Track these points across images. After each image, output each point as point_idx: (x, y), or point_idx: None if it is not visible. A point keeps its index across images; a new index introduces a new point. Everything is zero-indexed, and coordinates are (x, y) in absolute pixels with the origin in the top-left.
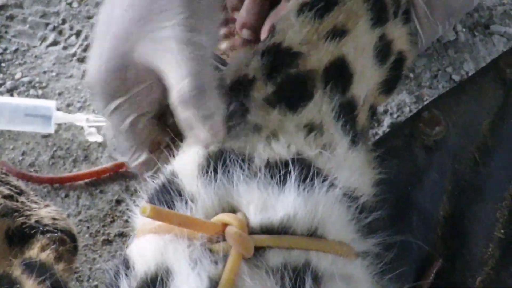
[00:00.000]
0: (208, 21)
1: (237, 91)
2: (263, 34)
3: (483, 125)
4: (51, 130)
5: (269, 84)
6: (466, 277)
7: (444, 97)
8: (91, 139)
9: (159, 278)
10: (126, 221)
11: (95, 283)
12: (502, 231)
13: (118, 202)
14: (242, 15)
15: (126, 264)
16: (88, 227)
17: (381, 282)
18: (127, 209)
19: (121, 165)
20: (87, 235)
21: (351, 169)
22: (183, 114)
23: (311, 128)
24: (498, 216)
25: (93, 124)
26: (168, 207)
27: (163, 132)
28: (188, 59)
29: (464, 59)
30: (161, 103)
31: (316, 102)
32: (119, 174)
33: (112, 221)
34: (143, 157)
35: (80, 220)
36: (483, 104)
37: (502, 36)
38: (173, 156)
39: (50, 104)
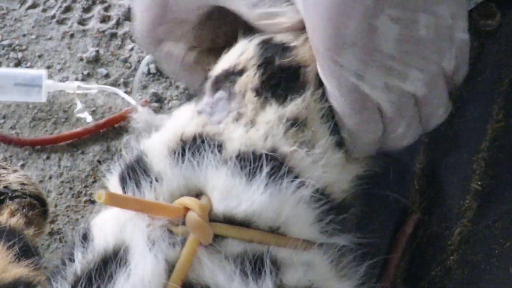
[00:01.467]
0: None
1: (225, 80)
2: None
3: None
4: (43, 99)
5: (258, 73)
6: (443, 229)
7: None
8: (81, 115)
9: (118, 256)
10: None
11: None
12: (479, 183)
13: (100, 162)
14: None
15: (85, 236)
16: (70, 188)
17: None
18: (109, 169)
19: (103, 125)
20: (69, 196)
21: (327, 168)
22: (257, 12)
23: (293, 122)
24: (474, 168)
25: (85, 91)
26: (136, 185)
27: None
28: None
29: None
30: (213, 37)
31: (305, 99)
32: (100, 135)
33: (94, 182)
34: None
35: (62, 182)
36: None
37: None
38: None
39: (40, 72)
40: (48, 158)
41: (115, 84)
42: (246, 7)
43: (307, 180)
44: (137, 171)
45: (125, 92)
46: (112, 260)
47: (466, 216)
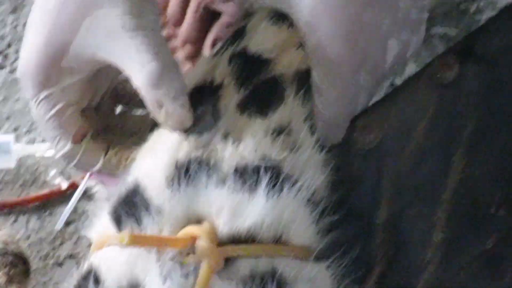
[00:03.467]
0: (149, 4)
1: (202, 95)
2: (206, 48)
3: (418, 129)
4: (11, 165)
5: (241, 90)
6: (406, 283)
7: (379, 103)
8: (57, 181)
9: None
10: (75, 242)
11: None
12: (441, 234)
13: (67, 224)
14: (184, 31)
15: (96, 279)
16: (38, 251)
17: (342, 285)
18: (76, 230)
19: (69, 186)
20: (37, 259)
21: (314, 170)
22: (152, 95)
23: (280, 131)
24: (436, 220)
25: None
26: (136, 221)
27: (90, 123)
28: (145, 44)
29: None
30: (94, 95)
31: (286, 106)
32: (67, 196)
33: (62, 243)
34: (67, 147)
35: (30, 244)
36: (417, 108)
37: (443, 37)
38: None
39: (8, 138)
40: (15, 221)
41: None
42: (143, 82)
43: (305, 183)
44: (135, 206)
45: None
46: None
47: (428, 270)
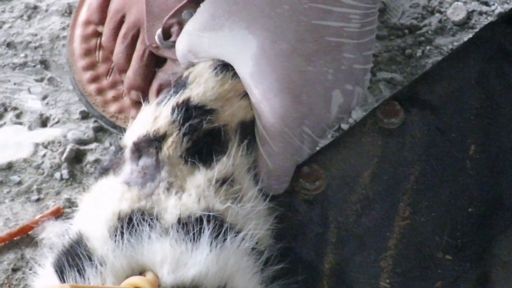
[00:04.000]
0: None
1: (147, 146)
2: (151, 95)
3: (363, 177)
4: None
5: (184, 140)
6: None
7: (324, 150)
8: None
9: None
10: None
11: None
12: (388, 281)
13: (14, 270)
14: (130, 77)
15: None
16: None
17: None
18: (24, 277)
19: (16, 233)
20: None
21: (257, 219)
22: None
23: (223, 181)
24: (382, 266)
25: None
26: (78, 271)
27: None
28: None
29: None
30: None
31: (229, 156)
32: (14, 243)
33: None
34: None
35: None
36: (362, 155)
37: (389, 82)
38: None
39: None
40: None
41: (28, 191)
42: None
43: (249, 233)
44: (78, 257)
45: (38, 199)
46: None
47: None
